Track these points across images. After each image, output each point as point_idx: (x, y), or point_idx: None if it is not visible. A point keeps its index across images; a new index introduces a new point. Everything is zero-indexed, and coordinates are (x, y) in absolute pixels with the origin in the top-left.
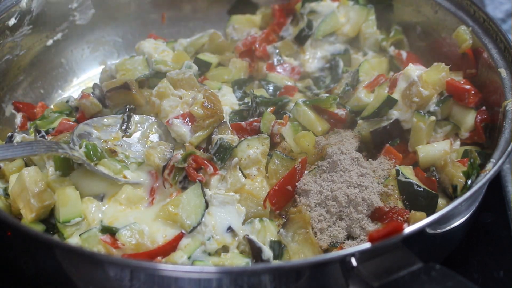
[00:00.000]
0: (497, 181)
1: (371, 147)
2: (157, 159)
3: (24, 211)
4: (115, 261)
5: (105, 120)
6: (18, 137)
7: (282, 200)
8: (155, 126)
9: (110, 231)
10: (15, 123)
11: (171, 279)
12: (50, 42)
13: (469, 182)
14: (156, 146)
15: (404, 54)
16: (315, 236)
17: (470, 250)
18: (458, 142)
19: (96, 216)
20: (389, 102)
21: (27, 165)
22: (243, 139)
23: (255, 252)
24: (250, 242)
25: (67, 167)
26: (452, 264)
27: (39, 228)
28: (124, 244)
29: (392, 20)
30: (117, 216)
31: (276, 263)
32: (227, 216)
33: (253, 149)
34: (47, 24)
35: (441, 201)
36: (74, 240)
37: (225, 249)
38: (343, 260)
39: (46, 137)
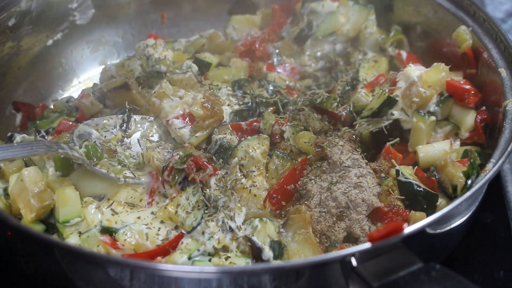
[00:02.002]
0: (497, 181)
1: (370, 147)
2: (156, 160)
3: (24, 211)
4: (115, 260)
5: (105, 120)
6: (18, 137)
7: (282, 200)
8: (155, 126)
9: (109, 231)
10: (15, 123)
11: (171, 279)
12: (50, 42)
13: (469, 182)
14: (156, 147)
15: (404, 54)
16: (315, 237)
17: (470, 250)
18: (458, 142)
19: (95, 216)
20: (389, 102)
21: (27, 165)
22: (243, 139)
23: (255, 252)
24: (250, 242)
25: (67, 167)
26: (452, 264)
27: (39, 228)
28: (124, 245)
29: (392, 20)
30: (116, 216)
31: (276, 263)
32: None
33: (253, 149)
34: (47, 24)
35: (441, 201)
36: (72, 240)
37: (225, 249)
38: (343, 260)
39: (46, 137)
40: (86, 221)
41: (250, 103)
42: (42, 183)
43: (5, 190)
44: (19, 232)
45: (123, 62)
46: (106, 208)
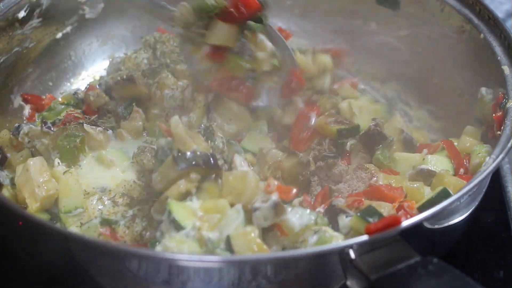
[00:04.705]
0: (497, 181)
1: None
2: (146, 161)
3: (29, 201)
4: (123, 251)
5: None
6: (25, 128)
7: None
8: None
9: (109, 223)
10: (23, 115)
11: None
12: (59, 35)
13: None
14: (144, 148)
15: None
16: None
17: (470, 250)
18: None
19: (97, 207)
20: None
21: (33, 156)
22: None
23: None
24: None
25: (72, 158)
26: (452, 263)
27: (44, 217)
28: (123, 237)
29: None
30: (117, 208)
31: (273, 253)
32: None
33: None
34: (56, 17)
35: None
36: (73, 230)
37: None
38: (342, 252)
39: (52, 128)
40: (88, 212)
41: None
42: (47, 173)
43: (12, 180)
44: (30, 223)
45: (130, 55)
46: (108, 200)
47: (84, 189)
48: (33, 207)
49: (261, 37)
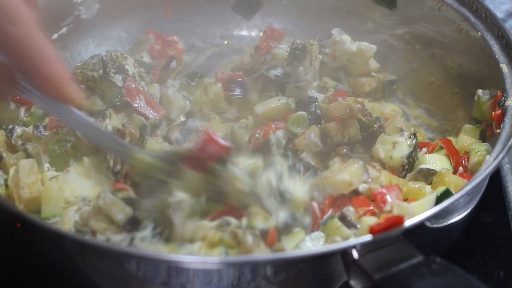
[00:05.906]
0: (497, 181)
1: None
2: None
3: (16, 202)
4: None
5: None
6: (18, 130)
7: None
8: None
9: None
10: (20, 117)
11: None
12: (55, 36)
13: None
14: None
15: None
16: None
17: (470, 250)
18: None
19: (72, 219)
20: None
21: (28, 158)
22: None
23: None
24: None
25: (62, 163)
26: (452, 263)
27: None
28: None
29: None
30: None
31: (277, 253)
32: None
33: None
34: (52, 18)
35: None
36: None
37: None
38: (345, 252)
39: (43, 133)
40: (64, 223)
41: None
42: (35, 175)
43: (6, 181)
44: (29, 224)
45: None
46: (86, 210)
47: (67, 197)
48: (19, 208)
49: None
